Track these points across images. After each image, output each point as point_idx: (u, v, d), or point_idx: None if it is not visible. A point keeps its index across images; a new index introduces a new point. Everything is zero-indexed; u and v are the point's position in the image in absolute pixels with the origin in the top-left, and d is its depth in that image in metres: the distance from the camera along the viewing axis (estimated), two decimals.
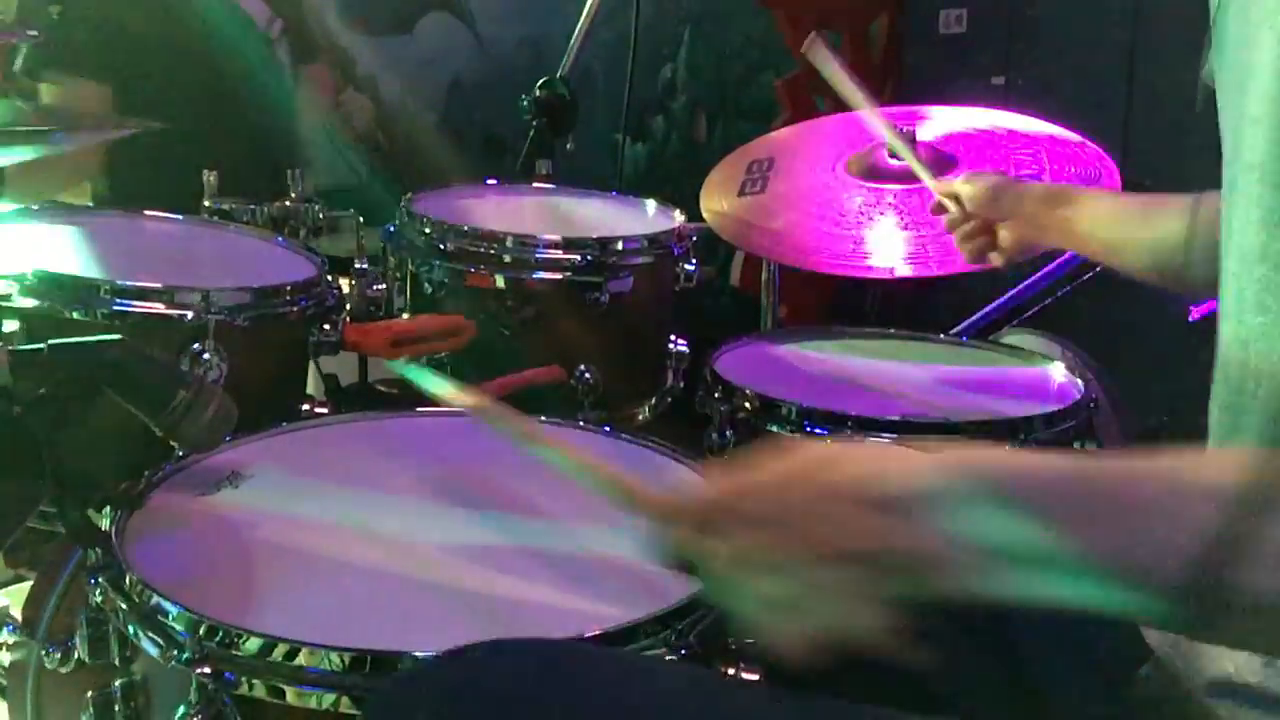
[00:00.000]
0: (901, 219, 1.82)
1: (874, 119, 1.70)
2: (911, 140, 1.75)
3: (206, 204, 1.87)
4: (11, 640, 1.31)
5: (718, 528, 0.79)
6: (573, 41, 2.38)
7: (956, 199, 1.54)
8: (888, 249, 1.81)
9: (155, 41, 2.44)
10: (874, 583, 0.75)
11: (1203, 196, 1.22)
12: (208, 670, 0.87)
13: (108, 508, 1.09)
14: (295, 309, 1.46)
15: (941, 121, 1.95)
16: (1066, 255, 2.20)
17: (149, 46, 2.43)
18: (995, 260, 1.54)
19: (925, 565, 0.73)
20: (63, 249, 1.50)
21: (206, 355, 1.33)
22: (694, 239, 1.83)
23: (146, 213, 1.71)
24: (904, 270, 1.83)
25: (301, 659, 0.88)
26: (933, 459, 0.76)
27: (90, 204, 2.47)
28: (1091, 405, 1.59)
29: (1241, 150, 0.86)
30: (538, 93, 2.27)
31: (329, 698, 0.87)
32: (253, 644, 0.89)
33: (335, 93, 3.41)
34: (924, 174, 1.64)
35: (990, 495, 0.72)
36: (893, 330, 1.89)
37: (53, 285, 1.32)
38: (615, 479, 0.89)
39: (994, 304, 2.54)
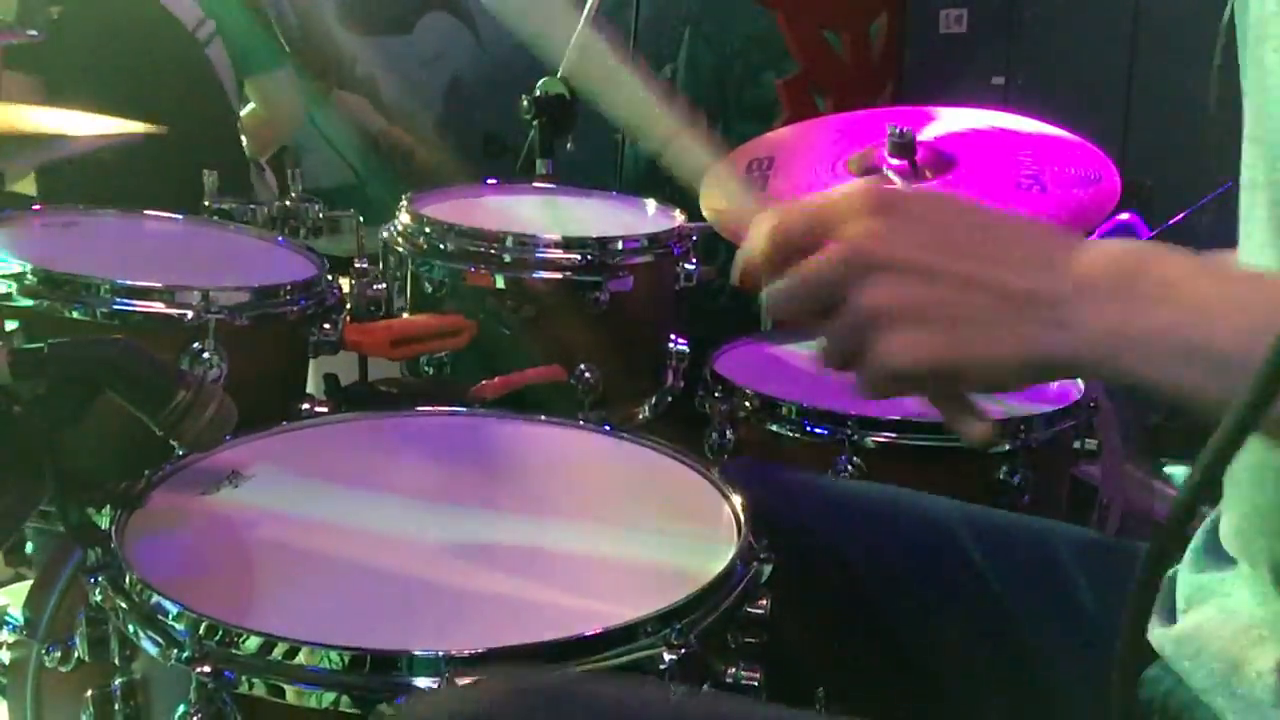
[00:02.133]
0: None
1: None
2: None
3: (206, 204, 1.87)
4: (11, 640, 1.31)
5: (866, 220, 0.76)
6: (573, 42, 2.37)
7: None
8: None
9: (89, 39, 2.43)
10: (1014, 321, 0.72)
11: None
12: (207, 669, 0.87)
13: (108, 507, 1.09)
14: (295, 308, 1.46)
15: (943, 121, 1.95)
16: None
17: (82, 43, 2.42)
18: None
19: (1080, 341, 0.71)
20: (63, 249, 1.50)
21: (206, 355, 1.33)
22: (694, 239, 1.83)
23: (146, 213, 1.71)
24: None
25: (301, 658, 0.87)
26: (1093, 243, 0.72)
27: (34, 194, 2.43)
28: (1091, 405, 1.59)
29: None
30: (538, 93, 2.27)
31: (329, 697, 0.87)
32: (252, 643, 0.88)
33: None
34: None
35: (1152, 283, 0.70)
36: None
37: (53, 285, 1.32)
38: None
39: None
